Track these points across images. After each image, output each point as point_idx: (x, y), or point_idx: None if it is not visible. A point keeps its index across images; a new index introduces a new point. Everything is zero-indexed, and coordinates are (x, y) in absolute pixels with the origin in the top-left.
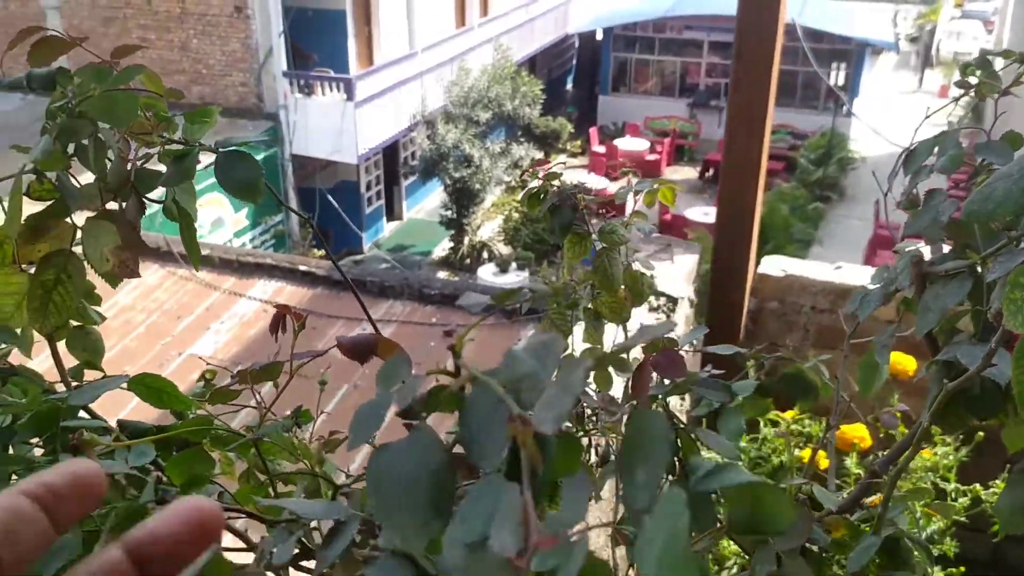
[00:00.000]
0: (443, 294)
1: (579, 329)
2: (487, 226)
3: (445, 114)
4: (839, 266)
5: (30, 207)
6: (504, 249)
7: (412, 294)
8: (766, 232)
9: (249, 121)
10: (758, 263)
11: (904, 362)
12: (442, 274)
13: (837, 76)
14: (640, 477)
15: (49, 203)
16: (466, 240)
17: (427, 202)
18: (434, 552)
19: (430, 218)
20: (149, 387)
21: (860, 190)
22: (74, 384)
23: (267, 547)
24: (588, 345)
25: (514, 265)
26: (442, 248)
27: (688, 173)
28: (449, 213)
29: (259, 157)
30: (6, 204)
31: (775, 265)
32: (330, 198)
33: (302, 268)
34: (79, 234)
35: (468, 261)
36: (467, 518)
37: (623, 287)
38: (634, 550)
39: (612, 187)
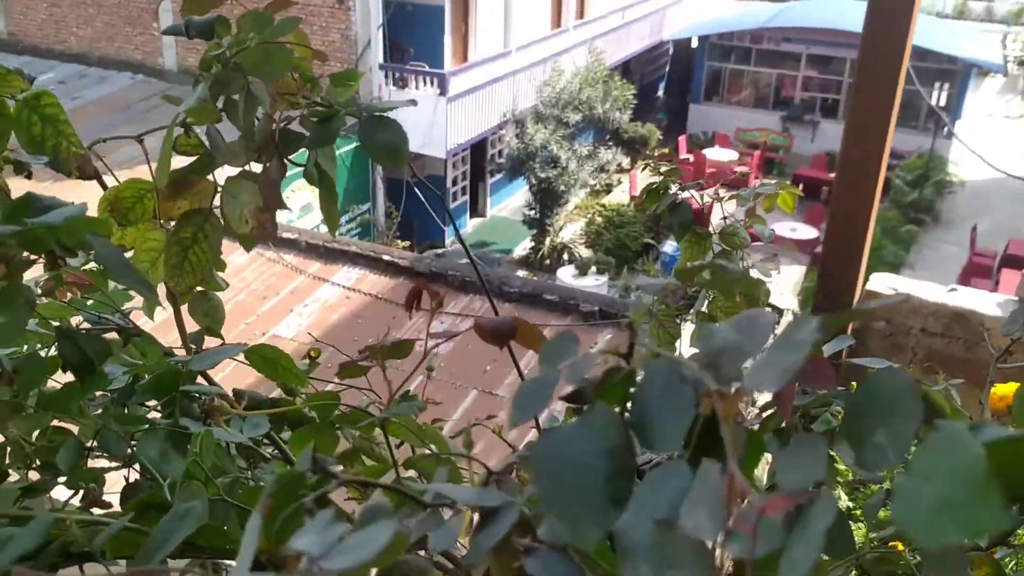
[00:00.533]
0: (522, 292)
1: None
2: (569, 228)
3: (535, 114)
4: (953, 288)
5: (174, 162)
6: (585, 252)
7: (492, 290)
8: None
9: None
10: (866, 279)
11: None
12: (521, 273)
13: (940, 96)
14: (879, 439)
15: (193, 159)
16: (547, 241)
17: (511, 200)
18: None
19: (513, 216)
20: (265, 358)
21: (957, 215)
22: (194, 349)
23: (412, 530)
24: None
25: (594, 269)
26: (522, 247)
27: None
28: (532, 212)
29: (350, 147)
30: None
31: (884, 283)
32: (417, 191)
33: (385, 258)
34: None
35: (548, 262)
36: (648, 503)
37: (738, 293)
38: (896, 512)
39: (698, 197)
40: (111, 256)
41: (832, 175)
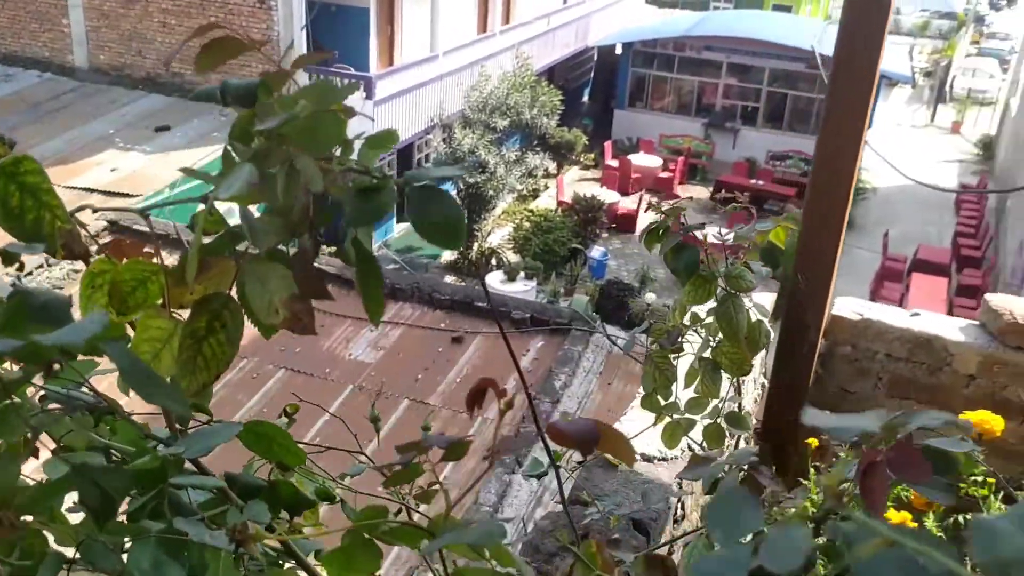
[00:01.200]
0: (453, 300)
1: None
2: (497, 233)
3: (463, 119)
4: (916, 313)
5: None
6: (513, 257)
7: (422, 298)
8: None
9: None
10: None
11: (992, 421)
12: (449, 278)
13: None
14: None
15: (213, 237)
16: (475, 246)
17: None
18: None
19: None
20: (259, 435)
21: (869, 220)
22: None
23: None
24: (696, 395)
25: (522, 274)
26: (450, 253)
27: (700, 193)
28: None
29: None
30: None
31: (849, 307)
32: None
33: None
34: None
35: (476, 267)
36: None
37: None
38: None
39: (624, 201)
40: (135, 370)
41: (753, 181)
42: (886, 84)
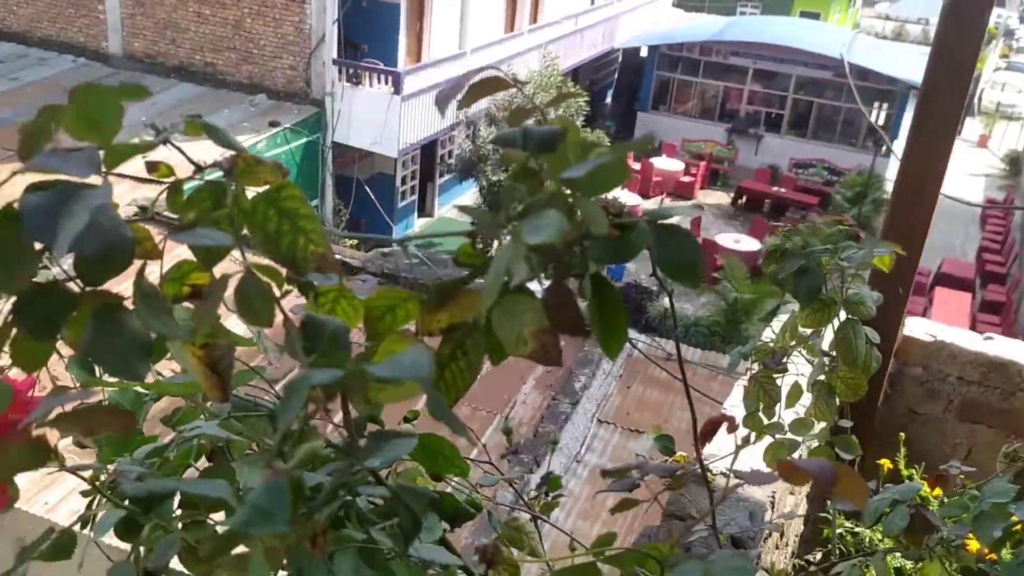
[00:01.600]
0: None
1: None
2: None
3: (488, 116)
4: (990, 336)
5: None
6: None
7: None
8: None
9: (295, 105)
10: None
11: None
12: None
13: (879, 115)
14: None
15: (468, 269)
16: (495, 244)
17: (459, 201)
18: None
19: (461, 217)
20: (427, 448)
21: None
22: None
23: None
24: (811, 418)
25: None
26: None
27: (721, 198)
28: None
29: (301, 142)
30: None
31: (922, 328)
32: (367, 188)
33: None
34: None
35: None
36: None
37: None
38: None
39: (645, 204)
40: (440, 406)
41: (775, 188)
42: (914, 94)
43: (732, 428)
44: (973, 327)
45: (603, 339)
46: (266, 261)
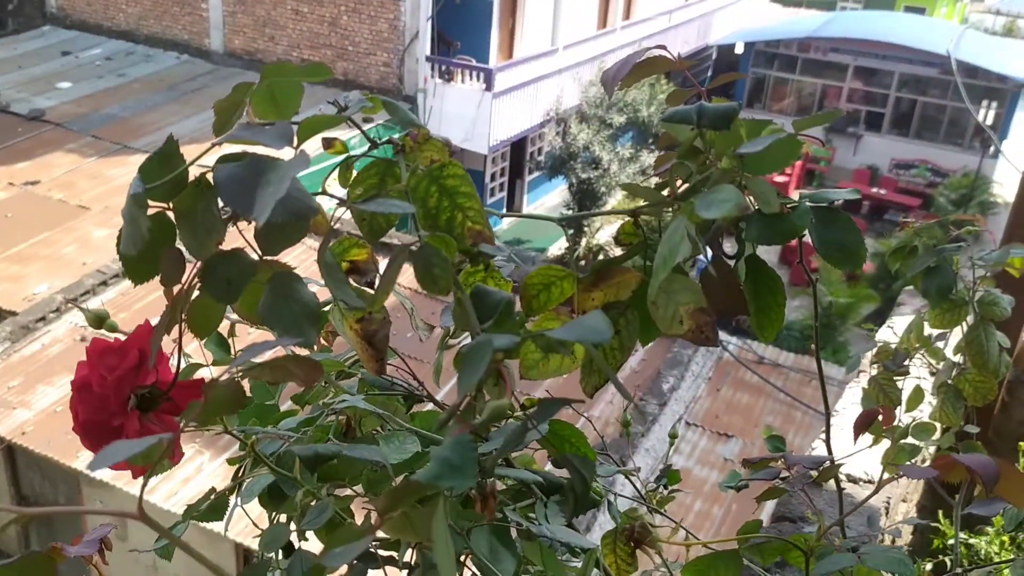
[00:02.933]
0: None
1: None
2: (606, 229)
3: (579, 114)
4: None
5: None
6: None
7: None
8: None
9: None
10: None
11: None
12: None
13: (987, 114)
14: None
15: (626, 247)
16: (583, 241)
17: (548, 199)
18: None
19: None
20: (557, 435)
21: (999, 237)
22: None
23: None
24: (933, 423)
25: None
26: (558, 246)
27: None
28: (570, 212)
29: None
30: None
31: None
32: None
33: None
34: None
35: (583, 263)
36: None
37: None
38: None
39: None
40: (615, 379)
41: (875, 190)
42: None
43: (889, 420)
44: None
45: (758, 321)
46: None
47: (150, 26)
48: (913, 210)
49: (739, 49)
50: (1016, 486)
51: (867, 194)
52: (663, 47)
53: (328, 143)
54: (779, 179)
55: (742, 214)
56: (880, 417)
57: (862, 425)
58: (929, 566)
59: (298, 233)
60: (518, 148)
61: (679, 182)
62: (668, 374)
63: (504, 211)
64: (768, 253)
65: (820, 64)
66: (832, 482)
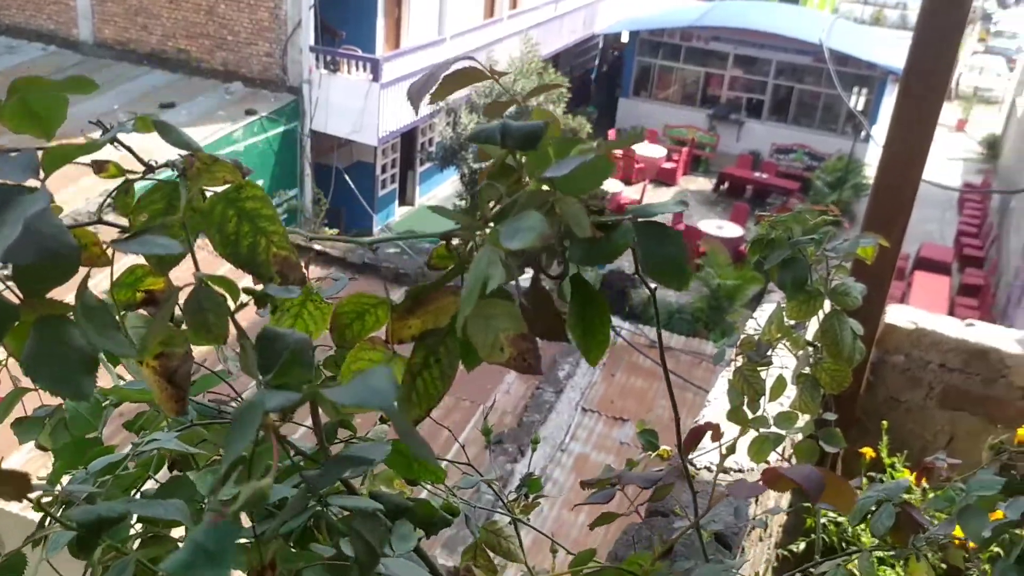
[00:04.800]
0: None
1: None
2: None
3: (469, 103)
4: (971, 323)
5: None
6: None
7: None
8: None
9: (271, 92)
10: None
11: None
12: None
13: (858, 101)
14: None
15: (441, 271)
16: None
17: (440, 190)
18: None
19: (443, 205)
20: (400, 453)
21: None
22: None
23: None
24: (795, 411)
25: None
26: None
27: (703, 184)
28: (463, 203)
29: (278, 131)
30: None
31: (904, 316)
32: (346, 177)
33: (317, 247)
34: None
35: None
36: None
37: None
38: None
39: (628, 191)
40: (409, 433)
41: (757, 174)
42: (892, 79)
43: (716, 436)
44: (951, 311)
45: (584, 344)
46: (222, 270)
47: (12, 16)
48: (793, 193)
49: (624, 38)
50: (841, 494)
51: (750, 179)
52: (472, 58)
53: (99, 167)
54: (667, 165)
55: (546, 244)
56: (710, 433)
57: (690, 443)
58: (803, 545)
59: (61, 272)
60: (408, 139)
61: (490, 203)
62: (563, 361)
63: (397, 203)
64: None
65: (702, 53)
66: (704, 473)
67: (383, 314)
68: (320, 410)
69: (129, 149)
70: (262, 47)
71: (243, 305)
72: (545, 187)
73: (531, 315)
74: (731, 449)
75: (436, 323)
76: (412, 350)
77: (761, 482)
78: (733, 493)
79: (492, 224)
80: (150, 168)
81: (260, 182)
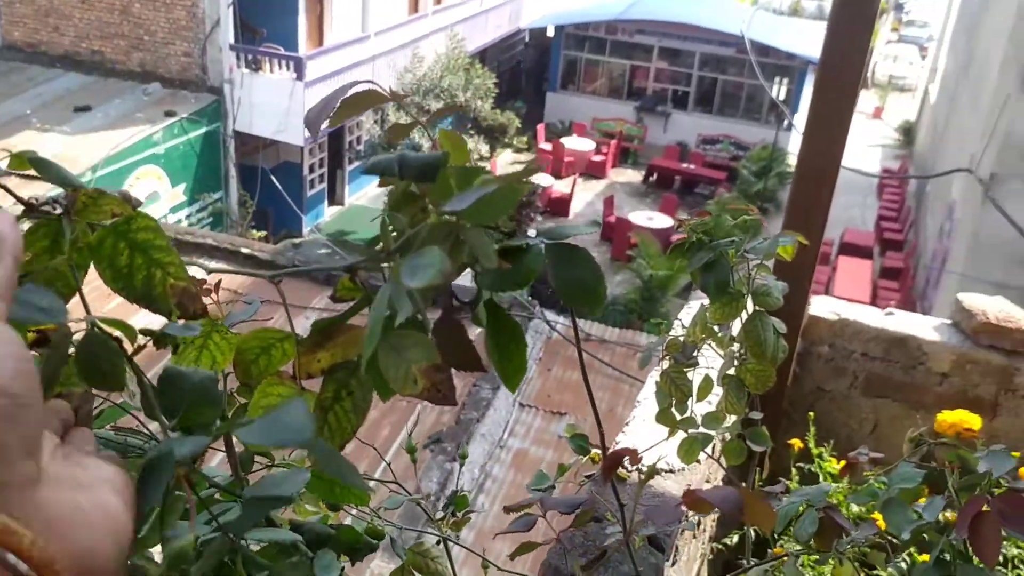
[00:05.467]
0: None
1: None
2: None
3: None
4: (890, 312)
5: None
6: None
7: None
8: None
9: (192, 93)
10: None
11: (970, 420)
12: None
13: (780, 91)
14: None
15: (350, 304)
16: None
17: (370, 188)
18: None
19: (373, 205)
20: (321, 479)
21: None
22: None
23: None
24: (725, 415)
25: None
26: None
27: (632, 176)
28: None
29: (200, 132)
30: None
31: (827, 308)
32: (273, 178)
33: (244, 251)
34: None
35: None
36: None
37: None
38: None
39: (558, 185)
40: (336, 462)
41: (684, 165)
42: (812, 69)
43: (635, 461)
44: (874, 294)
45: (502, 371)
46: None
47: None
48: (720, 183)
49: (550, 32)
50: (760, 513)
51: (678, 169)
52: (373, 82)
53: None
54: (596, 159)
55: (446, 281)
56: (627, 459)
57: (608, 470)
58: (736, 537)
59: None
60: (336, 138)
61: (393, 234)
62: None
63: (327, 203)
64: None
65: (627, 46)
66: (635, 475)
67: (290, 348)
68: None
69: (5, 187)
70: (180, 47)
71: (141, 347)
72: (446, 221)
73: (443, 347)
74: (651, 473)
75: (346, 355)
76: (322, 384)
77: (682, 505)
78: (652, 519)
79: (395, 259)
80: (31, 207)
81: (183, 185)
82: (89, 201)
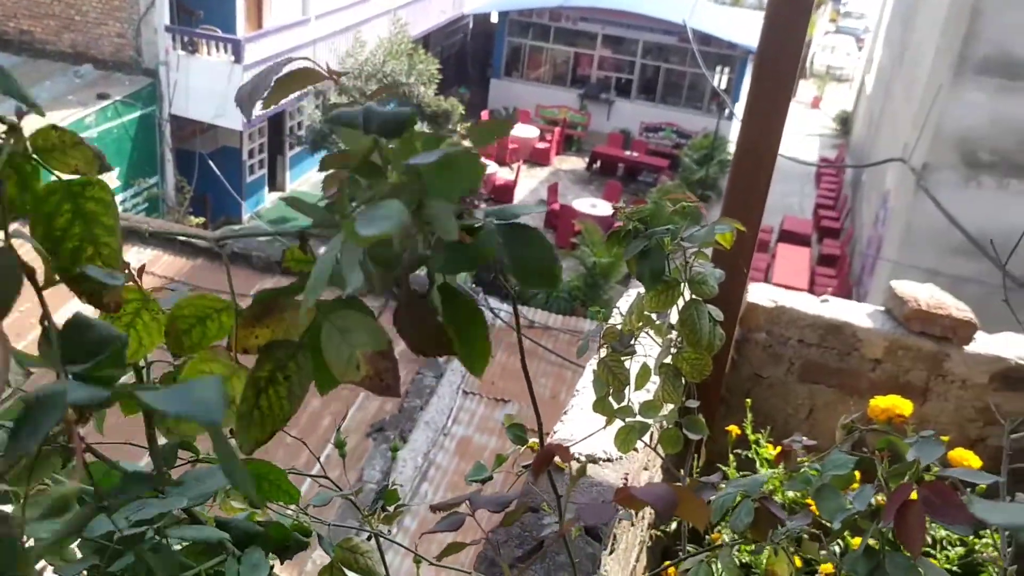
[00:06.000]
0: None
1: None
2: None
3: (338, 85)
4: (825, 299)
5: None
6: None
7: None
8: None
9: (126, 75)
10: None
11: (901, 405)
12: (323, 250)
13: (721, 79)
14: None
15: (296, 276)
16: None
17: (312, 174)
18: None
19: (314, 191)
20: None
21: None
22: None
23: None
24: (662, 403)
25: None
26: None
27: (576, 163)
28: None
29: (134, 115)
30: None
31: (765, 295)
32: (211, 163)
33: (181, 237)
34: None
35: None
36: None
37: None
38: None
39: (502, 172)
40: (231, 459)
41: (627, 152)
42: (751, 59)
43: (566, 458)
44: (812, 280)
45: (466, 357)
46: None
47: None
48: (663, 170)
49: (495, 18)
50: (694, 509)
51: (621, 157)
52: (309, 58)
53: None
54: (540, 146)
55: (406, 234)
56: (557, 456)
57: (539, 467)
58: (675, 524)
59: None
60: (276, 123)
61: (353, 203)
62: None
63: (267, 189)
64: (535, 219)
65: (571, 33)
66: (573, 465)
67: (228, 320)
68: (156, 430)
69: None
70: (113, 27)
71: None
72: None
73: (408, 330)
74: (583, 470)
75: (288, 334)
76: (257, 361)
77: (613, 502)
78: (584, 517)
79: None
80: None
81: (116, 170)
82: (59, 143)
